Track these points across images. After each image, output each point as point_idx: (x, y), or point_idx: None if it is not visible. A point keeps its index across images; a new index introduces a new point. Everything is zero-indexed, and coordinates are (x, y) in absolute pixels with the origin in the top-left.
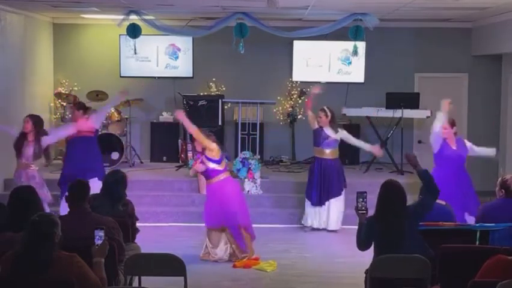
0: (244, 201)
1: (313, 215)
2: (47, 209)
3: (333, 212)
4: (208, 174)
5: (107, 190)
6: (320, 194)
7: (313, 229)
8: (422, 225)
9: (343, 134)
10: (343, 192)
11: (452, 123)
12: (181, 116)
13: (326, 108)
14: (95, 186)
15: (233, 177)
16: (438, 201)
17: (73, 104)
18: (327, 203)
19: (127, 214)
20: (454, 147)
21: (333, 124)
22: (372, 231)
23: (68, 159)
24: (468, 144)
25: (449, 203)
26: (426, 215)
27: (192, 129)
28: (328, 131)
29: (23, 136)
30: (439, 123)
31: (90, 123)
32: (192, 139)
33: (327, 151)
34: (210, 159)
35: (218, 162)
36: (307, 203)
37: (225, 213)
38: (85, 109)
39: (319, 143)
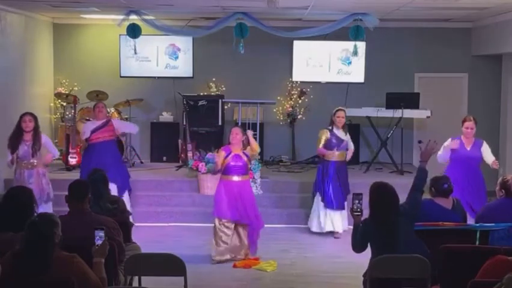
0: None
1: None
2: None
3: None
4: (235, 170)
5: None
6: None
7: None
8: (421, 226)
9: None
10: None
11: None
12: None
13: (344, 109)
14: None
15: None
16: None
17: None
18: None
19: (119, 211)
20: (468, 148)
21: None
22: (368, 233)
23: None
24: (483, 147)
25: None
26: (420, 215)
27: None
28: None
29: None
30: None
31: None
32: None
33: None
34: (247, 156)
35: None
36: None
37: (248, 212)
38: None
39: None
